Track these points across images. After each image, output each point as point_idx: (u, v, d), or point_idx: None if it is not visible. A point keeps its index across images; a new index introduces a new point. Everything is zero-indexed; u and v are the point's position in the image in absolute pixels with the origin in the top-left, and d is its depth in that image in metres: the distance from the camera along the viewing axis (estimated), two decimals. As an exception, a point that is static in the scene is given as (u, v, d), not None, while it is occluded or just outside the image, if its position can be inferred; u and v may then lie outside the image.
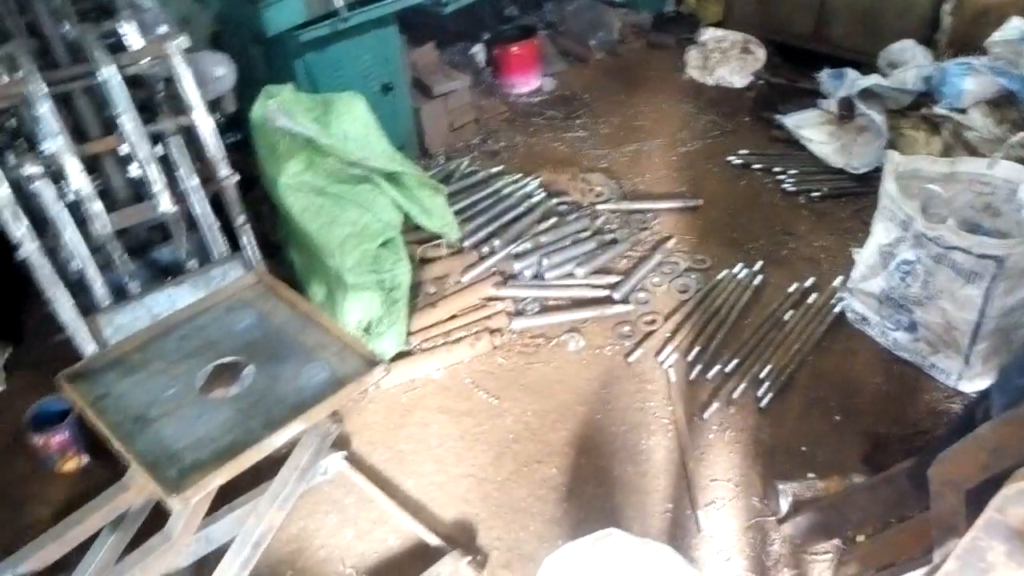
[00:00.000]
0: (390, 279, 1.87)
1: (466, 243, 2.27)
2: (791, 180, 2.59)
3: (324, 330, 1.25)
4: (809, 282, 2.18)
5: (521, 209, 2.39)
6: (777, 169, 2.65)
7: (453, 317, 2.13)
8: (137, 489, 1.20)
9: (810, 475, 1.68)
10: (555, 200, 2.47)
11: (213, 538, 1.49)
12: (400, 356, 2.02)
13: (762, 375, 1.92)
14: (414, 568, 1.58)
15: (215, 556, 1.58)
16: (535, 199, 2.44)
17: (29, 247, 1.59)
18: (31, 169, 1.50)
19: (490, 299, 2.16)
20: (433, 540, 1.63)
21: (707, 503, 1.67)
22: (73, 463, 1.83)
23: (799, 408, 1.87)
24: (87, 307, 1.75)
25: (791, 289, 2.17)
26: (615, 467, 1.77)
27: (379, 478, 1.77)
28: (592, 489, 1.73)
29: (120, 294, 1.77)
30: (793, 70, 3.21)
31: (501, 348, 2.08)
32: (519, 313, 2.14)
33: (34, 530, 1.71)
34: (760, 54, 3.26)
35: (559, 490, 1.73)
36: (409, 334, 2.05)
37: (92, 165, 1.68)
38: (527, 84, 3.22)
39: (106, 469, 1.84)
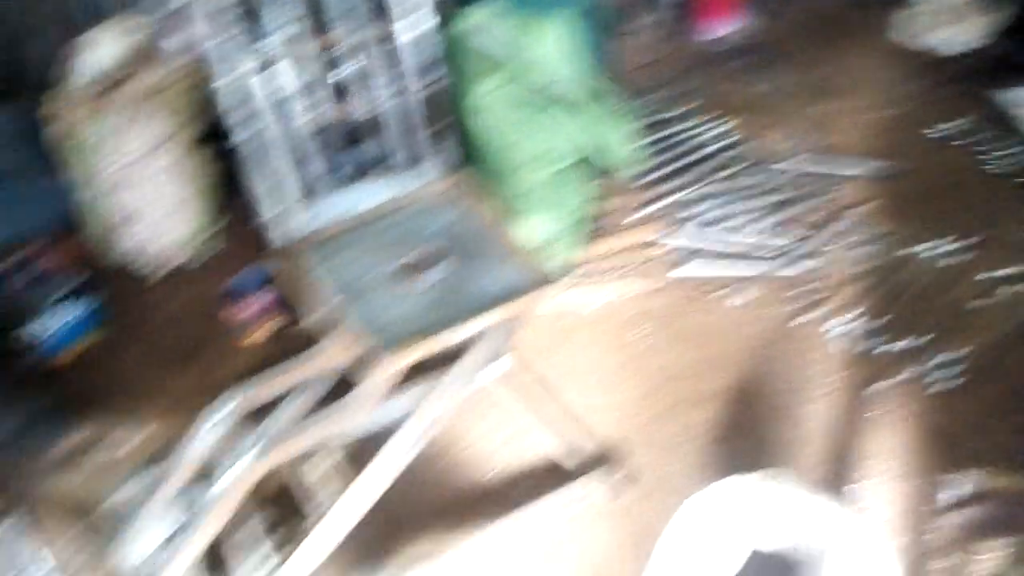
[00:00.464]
0: (566, 205, 1.91)
1: (640, 181, 2.27)
2: (997, 161, 2.39)
3: (510, 241, 1.30)
4: (1007, 271, 2.03)
5: (699, 155, 2.35)
6: (982, 148, 2.45)
7: (618, 253, 2.14)
8: (336, 352, 1.31)
9: (980, 469, 1.60)
10: (735, 151, 2.41)
11: (385, 417, 1.62)
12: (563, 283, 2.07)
13: (937, 360, 1.82)
14: (557, 482, 1.66)
15: (380, 438, 1.74)
16: (715, 147, 2.39)
17: (245, 134, 1.73)
18: (253, 62, 1.63)
19: (656, 241, 2.16)
20: (580, 457, 1.69)
21: (859, 480, 1.63)
22: (260, 335, 2.02)
23: (973, 400, 1.77)
24: (291, 195, 1.90)
25: (981, 276, 2.03)
26: (767, 426, 1.75)
27: (538, 391, 1.84)
28: (742, 442, 1.72)
29: (323, 186, 1.91)
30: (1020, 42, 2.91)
31: (661, 291, 2.08)
32: (684, 260, 2.13)
33: (221, 388, 1.94)
34: (979, 21, 2.98)
35: (708, 435, 1.74)
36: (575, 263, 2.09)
37: (306, 62, 1.80)
38: (716, 29, 3.11)
39: (289, 343, 2.03)
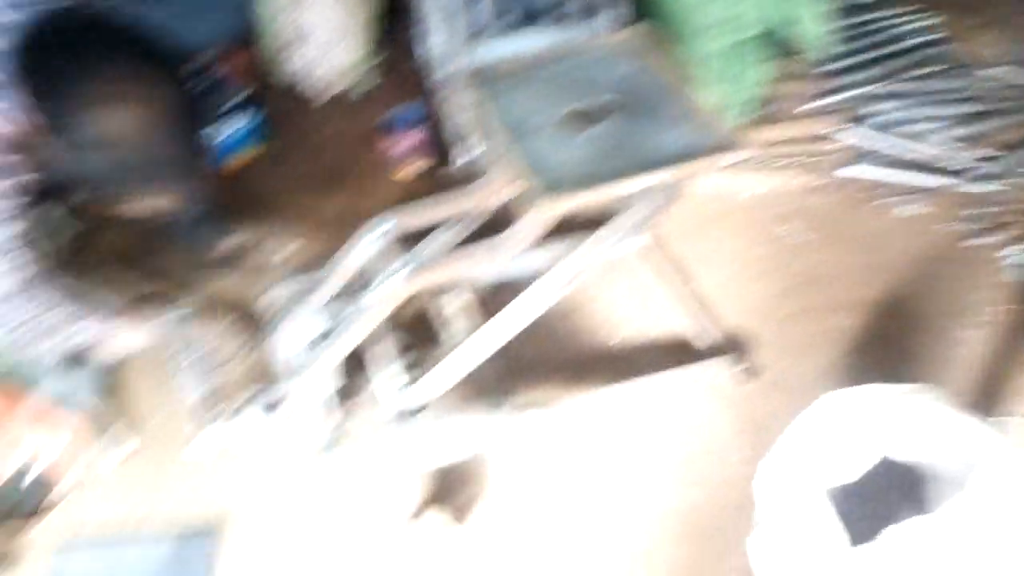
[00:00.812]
0: (741, 81, 1.79)
1: (822, 68, 2.09)
2: None
3: (690, 101, 1.23)
4: None
5: (894, 49, 2.12)
6: None
7: (784, 142, 2.02)
8: (493, 190, 1.32)
9: None
10: (935, 50, 2.16)
11: (526, 266, 1.64)
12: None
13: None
14: (681, 360, 1.65)
15: (516, 287, 1.78)
16: (913, 42, 2.15)
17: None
18: None
19: (828, 136, 2.01)
20: (711, 339, 1.67)
21: (1011, 414, 1.54)
22: (410, 171, 2.06)
23: None
24: (457, 33, 1.86)
25: None
26: (915, 344, 1.66)
27: (673, 267, 1.81)
28: (883, 354, 1.65)
29: (490, 28, 1.86)
30: None
31: (824, 189, 1.96)
32: (855, 160, 1.98)
33: (369, 215, 2.00)
34: None
35: (848, 342, 1.67)
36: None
37: None
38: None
39: (438, 183, 2.07)
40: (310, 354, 1.36)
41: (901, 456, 1.26)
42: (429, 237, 1.43)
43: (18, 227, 1.12)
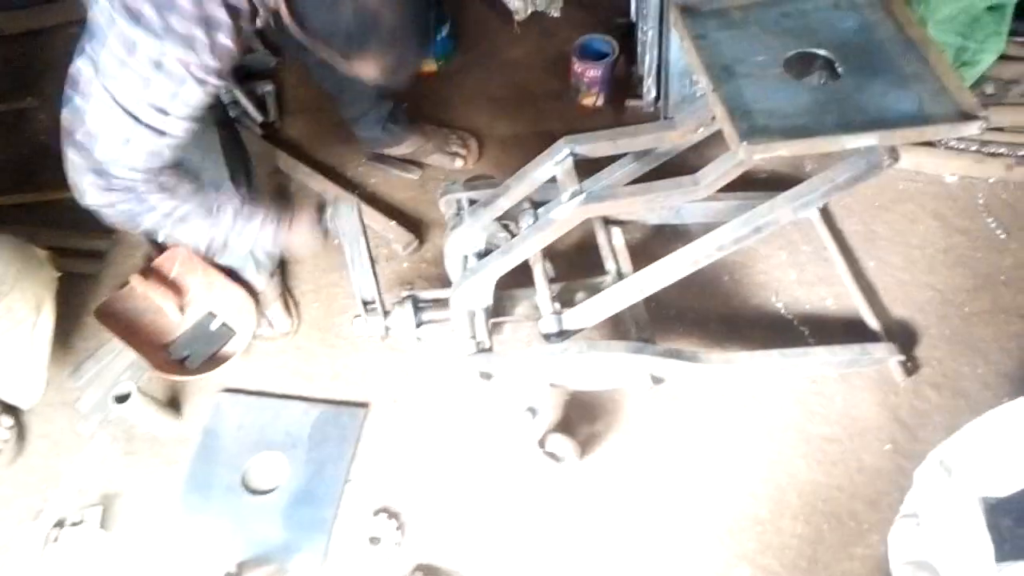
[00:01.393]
0: (974, 52, 1.63)
1: (1067, 52, 1.86)
2: None
3: (928, 63, 1.13)
4: None
5: None
6: None
7: (999, 129, 1.83)
8: (686, 130, 1.29)
9: None
10: None
11: (715, 211, 1.61)
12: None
13: None
14: (840, 336, 1.58)
15: (688, 232, 1.75)
16: None
17: None
18: None
19: (1058, 128, 1.80)
20: (872, 324, 1.59)
21: None
22: (591, 99, 2.05)
23: None
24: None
25: None
26: (1109, 367, 1.51)
27: (844, 244, 1.72)
28: (1067, 373, 1.51)
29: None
30: None
31: (1039, 187, 1.78)
32: (1083, 158, 1.77)
33: (549, 138, 2.00)
34: None
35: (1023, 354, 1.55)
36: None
37: None
38: None
39: (613, 117, 2.05)
40: (477, 263, 1.41)
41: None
42: (610, 167, 1.42)
43: (204, 104, 1.12)
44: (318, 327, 1.75)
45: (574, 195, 1.24)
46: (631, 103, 2.03)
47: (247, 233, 1.33)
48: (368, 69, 1.09)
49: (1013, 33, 1.67)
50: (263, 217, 1.34)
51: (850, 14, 1.21)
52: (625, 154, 1.46)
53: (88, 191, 1.14)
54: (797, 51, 1.17)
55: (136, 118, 1.05)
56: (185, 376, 1.64)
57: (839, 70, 1.15)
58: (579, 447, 1.48)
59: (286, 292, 1.79)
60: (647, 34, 1.90)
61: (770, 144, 1.04)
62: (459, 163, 1.97)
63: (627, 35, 2.13)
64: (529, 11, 2.19)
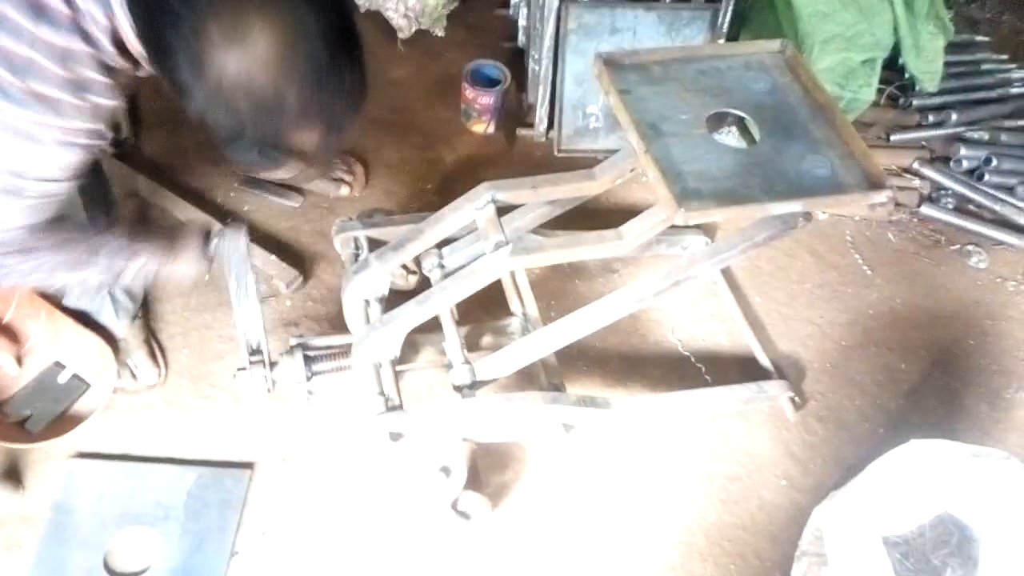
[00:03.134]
0: (849, 100, 1.73)
1: (915, 102, 2.03)
2: None
3: (834, 127, 1.17)
4: None
5: (993, 94, 2.07)
6: None
7: (862, 169, 1.97)
8: (605, 181, 1.26)
9: None
10: (1032, 103, 2.12)
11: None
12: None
13: None
14: (734, 373, 1.63)
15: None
16: (1014, 91, 2.09)
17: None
18: None
19: (913, 170, 1.96)
20: (763, 360, 1.65)
21: (1056, 484, 1.54)
22: (482, 126, 1.99)
23: None
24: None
25: None
26: (967, 396, 1.65)
27: (732, 280, 1.78)
28: (934, 403, 1.63)
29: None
30: None
31: (896, 224, 1.92)
32: (932, 199, 1.94)
33: (439, 165, 1.95)
34: None
35: (899, 385, 1.66)
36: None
37: None
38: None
39: (503, 146, 2.00)
40: (385, 313, 1.31)
41: (961, 514, 1.26)
42: (522, 208, 1.37)
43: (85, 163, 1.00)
44: (190, 376, 1.56)
45: (499, 246, 1.17)
46: (522, 132, 1.99)
47: (130, 272, 1.19)
48: (303, 144, 0.94)
49: (882, 82, 1.80)
50: (145, 251, 1.20)
51: (761, 75, 1.24)
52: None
53: None
54: (716, 110, 1.18)
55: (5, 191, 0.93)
56: (26, 443, 1.40)
57: (753, 131, 1.17)
58: (490, 501, 1.41)
59: (151, 337, 1.58)
60: (540, 64, 1.87)
61: (705, 210, 1.03)
62: (344, 190, 1.84)
63: (515, 60, 2.09)
64: (413, 29, 2.10)
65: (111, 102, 0.94)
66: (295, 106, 0.87)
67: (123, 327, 1.51)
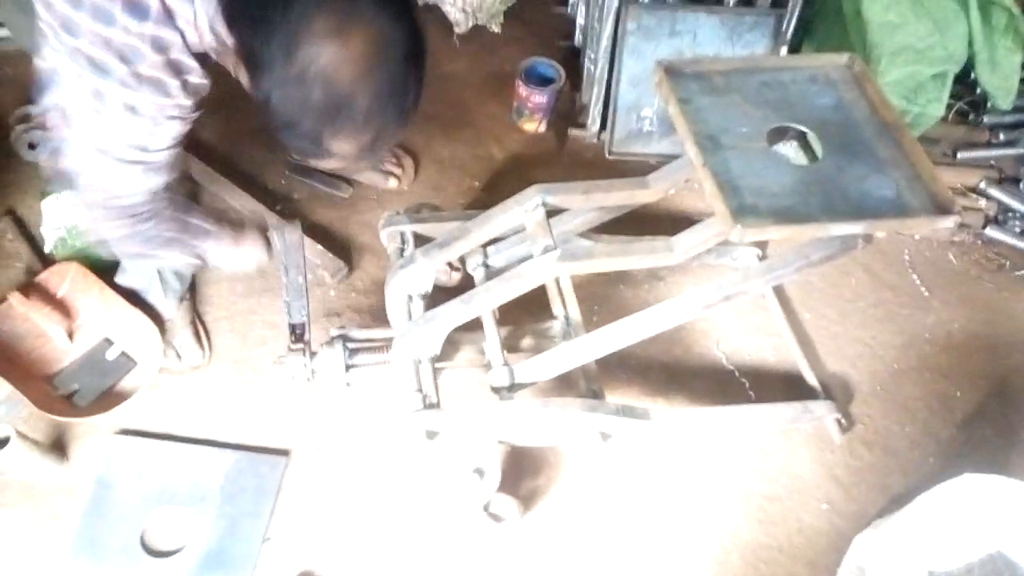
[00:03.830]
0: (916, 115, 1.67)
1: (986, 119, 1.95)
2: None
3: (901, 147, 1.13)
4: None
5: (1069, 114, 1.98)
6: None
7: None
8: (658, 190, 1.24)
9: None
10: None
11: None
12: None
13: None
14: (779, 390, 1.59)
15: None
16: (1091, 111, 2.00)
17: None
18: None
19: (974, 190, 1.89)
20: (810, 379, 1.60)
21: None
22: (533, 125, 1.97)
23: None
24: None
25: None
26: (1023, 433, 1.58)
27: (782, 295, 1.73)
28: (989, 434, 1.57)
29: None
30: None
31: (958, 245, 1.85)
32: (998, 222, 1.86)
33: (488, 162, 1.94)
34: None
35: (953, 413, 1.59)
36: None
37: None
38: None
39: (554, 146, 1.98)
40: (429, 310, 1.30)
41: (1013, 554, 1.20)
42: (571, 212, 1.35)
43: (184, 132, 1.07)
44: (232, 360, 1.58)
45: (547, 250, 1.15)
46: (574, 132, 1.97)
47: (206, 254, 1.31)
48: (339, 150, 0.98)
49: (951, 97, 1.73)
50: (217, 236, 1.31)
51: (827, 90, 1.19)
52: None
53: (102, 225, 1.15)
54: (778, 124, 1.14)
55: (120, 159, 1.04)
56: (73, 417, 1.43)
57: (816, 148, 1.13)
58: (522, 505, 1.40)
59: (197, 319, 1.60)
60: (596, 65, 1.84)
61: (762, 227, 1.00)
62: (393, 183, 1.84)
63: (570, 59, 2.07)
64: (470, 24, 2.09)
65: (204, 81, 1.02)
66: (361, 112, 0.92)
67: (171, 307, 1.53)
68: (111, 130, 1.01)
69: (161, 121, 1.01)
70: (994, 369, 1.66)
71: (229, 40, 0.96)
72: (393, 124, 0.97)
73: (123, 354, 1.52)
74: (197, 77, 1.01)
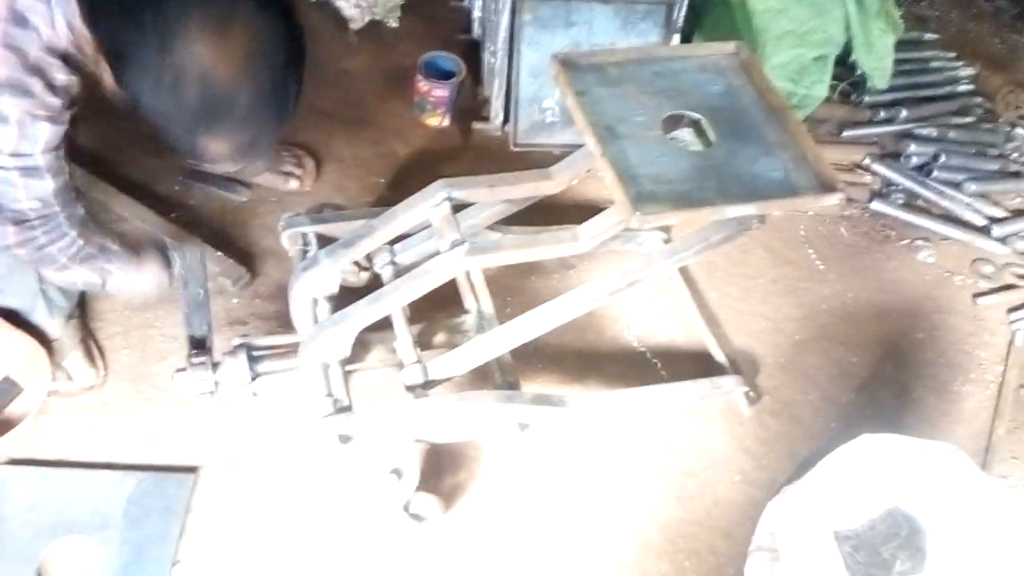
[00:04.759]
0: (802, 96, 1.74)
1: (866, 98, 2.06)
2: None
3: (787, 130, 1.17)
4: None
5: (941, 91, 2.11)
6: None
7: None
8: (561, 180, 1.24)
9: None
10: (976, 99, 2.16)
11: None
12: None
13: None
14: (689, 369, 1.63)
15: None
16: (960, 88, 2.14)
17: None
18: None
19: (864, 166, 1.99)
20: (718, 356, 1.64)
21: (1000, 475, 1.57)
22: (436, 120, 1.95)
23: None
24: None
25: None
26: (917, 389, 1.68)
27: (687, 275, 1.77)
28: (885, 396, 1.66)
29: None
30: None
31: (848, 219, 1.94)
32: (882, 195, 1.96)
33: (392, 159, 1.91)
34: None
35: (851, 378, 1.68)
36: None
37: None
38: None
39: (458, 140, 1.97)
40: (336, 312, 1.27)
41: (910, 508, 1.27)
42: (477, 205, 1.34)
43: (60, 138, 1.03)
44: (130, 377, 1.50)
45: (455, 245, 1.14)
46: (478, 125, 1.96)
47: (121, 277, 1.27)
48: (215, 150, 0.95)
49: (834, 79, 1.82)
50: (118, 258, 1.25)
51: (716, 77, 1.23)
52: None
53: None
54: (671, 112, 1.17)
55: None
56: (-47, 449, 1.33)
57: (709, 134, 1.16)
58: (443, 503, 1.39)
59: (88, 336, 1.51)
60: (495, 57, 1.84)
61: (661, 213, 1.02)
62: (294, 184, 1.79)
63: (470, 52, 2.06)
64: (366, 20, 2.05)
65: (71, 78, 0.98)
66: (239, 112, 0.91)
67: (57, 326, 1.44)
68: None
69: (28, 124, 0.97)
70: (886, 334, 1.76)
71: (91, 39, 0.93)
72: (272, 124, 0.96)
73: (6, 379, 1.42)
74: (63, 75, 0.96)
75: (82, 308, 1.53)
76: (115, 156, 1.77)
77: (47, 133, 1.00)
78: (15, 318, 1.42)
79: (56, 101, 0.98)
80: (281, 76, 0.92)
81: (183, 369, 1.30)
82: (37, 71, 0.94)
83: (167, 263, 1.35)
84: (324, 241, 1.38)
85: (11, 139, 0.98)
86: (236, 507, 1.38)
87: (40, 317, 1.43)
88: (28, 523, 1.30)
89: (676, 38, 1.82)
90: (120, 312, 1.57)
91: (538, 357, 1.61)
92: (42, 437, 1.40)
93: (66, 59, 0.97)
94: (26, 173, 1.02)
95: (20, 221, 1.08)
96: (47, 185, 1.06)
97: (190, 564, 1.31)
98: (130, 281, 1.30)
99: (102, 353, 1.51)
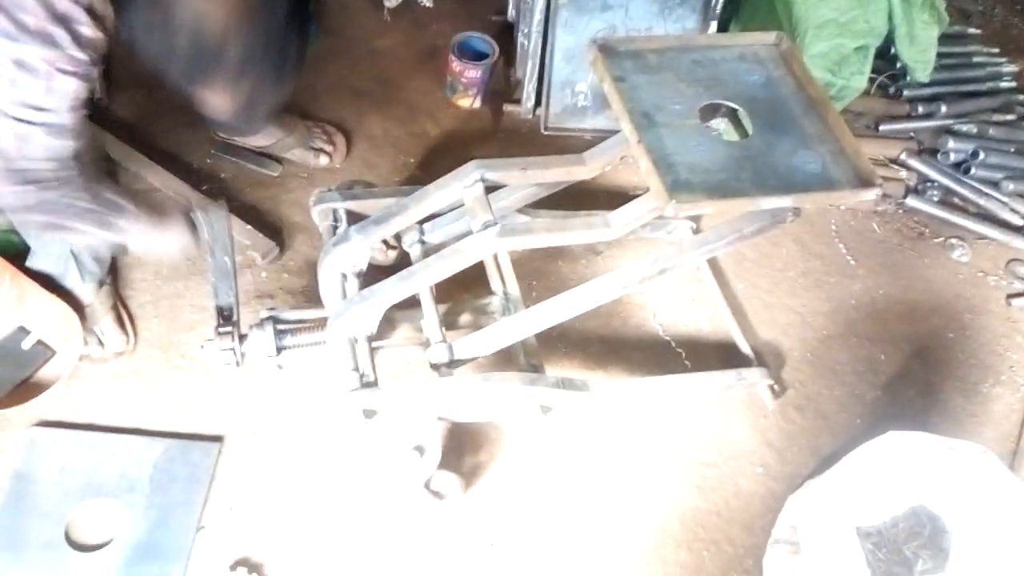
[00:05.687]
0: (840, 87, 1.71)
1: (905, 92, 2.02)
2: None
3: (826, 123, 1.15)
4: None
5: (983, 88, 2.06)
6: None
7: (850, 158, 1.96)
8: (594, 167, 1.23)
9: None
10: (1019, 97, 2.11)
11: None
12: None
13: None
14: (714, 359, 1.62)
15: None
16: (1002, 85, 2.08)
17: None
18: None
19: (900, 161, 1.95)
20: (744, 348, 1.63)
21: (1030, 478, 1.55)
22: (467, 101, 1.94)
23: None
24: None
25: None
26: (944, 389, 1.65)
27: (716, 266, 1.76)
28: (912, 395, 1.64)
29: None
30: None
31: (881, 215, 1.91)
32: (918, 191, 1.93)
33: (422, 139, 1.91)
34: None
35: (878, 376, 1.66)
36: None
37: None
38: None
39: (488, 122, 1.96)
40: (365, 288, 1.27)
41: (935, 507, 1.26)
42: (509, 187, 1.33)
43: (84, 98, 1.02)
44: (159, 345, 1.52)
45: (487, 226, 1.14)
46: (509, 108, 1.95)
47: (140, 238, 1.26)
48: (215, 102, 0.96)
49: (873, 71, 1.78)
50: (138, 217, 1.24)
51: (755, 67, 1.21)
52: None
53: (3, 190, 1.08)
54: (710, 101, 1.16)
55: (17, 118, 0.99)
56: (-13, 408, 1.36)
57: (746, 124, 1.15)
58: (463, 481, 1.39)
59: (119, 303, 1.53)
60: (529, 39, 1.82)
61: (696, 202, 1.01)
62: (324, 160, 1.79)
63: (503, 34, 2.04)
64: (401, -1, 2.04)
65: (97, 33, 0.98)
66: (231, 64, 0.89)
67: (89, 292, 1.46)
68: (2, 88, 0.97)
69: (54, 76, 0.97)
70: (915, 332, 1.73)
71: None
72: (270, 82, 0.95)
73: (40, 343, 1.44)
74: (88, 28, 0.97)
75: (114, 276, 1.55)
76: (148, 127, 1.79)
77: (72, 88, 1.01)
78: (48, 282, 1.45)
79: (82, 55, 0.98)
80: (280, 31, 0.93)
81: (211, 340, 1.32)
82: (63, 20, 0.94)
83: (192, 226, 1.35)
84: (354, 218, 1.38)
85: (38, 91, 0.99)
86: (260, 476, 1.39)
87: (72, 282, 1.46)
88: (58, 484, 1.33)
89: (714, 25, 1.79)
90: (151, 282, 1.59)
91: (563, 342, 1.61)
92: (73, 400, 1.43)
93: (91, 11, 0.97)
94: (50, 131, 1.03)
95: (35, 180, 1.09)
96: (67, 146, 1.07)
97: (214, 530, 1.33)
98: (154, 242, 1.31)
99: (132, 320, 1.53)
